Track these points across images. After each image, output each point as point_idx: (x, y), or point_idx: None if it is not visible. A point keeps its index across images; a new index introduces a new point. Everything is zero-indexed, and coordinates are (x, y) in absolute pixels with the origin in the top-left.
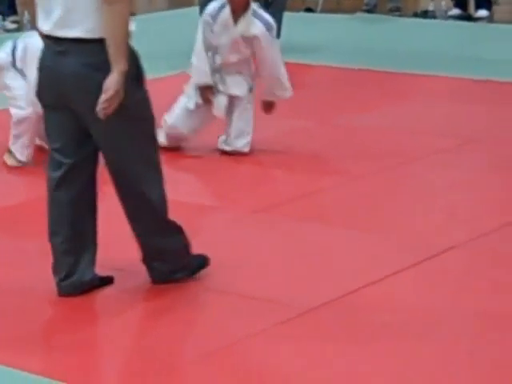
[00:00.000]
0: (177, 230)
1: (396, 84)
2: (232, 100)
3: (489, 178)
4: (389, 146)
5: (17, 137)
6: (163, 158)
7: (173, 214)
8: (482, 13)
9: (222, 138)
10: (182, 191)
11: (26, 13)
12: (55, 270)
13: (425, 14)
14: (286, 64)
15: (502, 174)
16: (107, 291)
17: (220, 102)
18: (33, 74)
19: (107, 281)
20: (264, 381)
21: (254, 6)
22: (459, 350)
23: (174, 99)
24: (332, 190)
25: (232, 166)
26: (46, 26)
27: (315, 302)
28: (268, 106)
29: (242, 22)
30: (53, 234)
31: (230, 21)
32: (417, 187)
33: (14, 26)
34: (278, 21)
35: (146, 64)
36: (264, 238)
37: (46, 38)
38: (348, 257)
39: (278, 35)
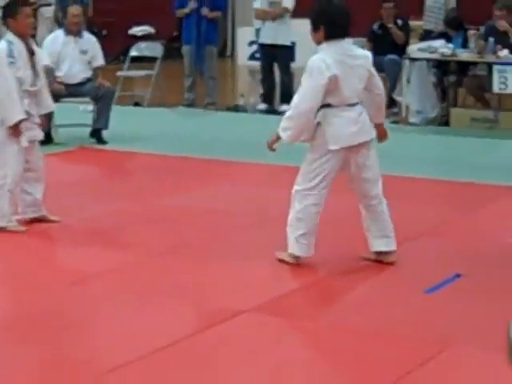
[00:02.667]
0: None
1: (208, 169)
2: None
3: None
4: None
5: None
6: None
7: None
8: (285, 107)
9: None
10: None
11: None
12: None
13: (236, 108)
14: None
15: None
16: None
17: None
18: None
19: None
20: None
21: None
22: None
23: None
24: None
25: None
26: None
27: None
28: None
29: None
30: None
31: None
32: None
33: None
34: (107, 113)
35: None
36: None
37: None
38: None
39: (106, 126)
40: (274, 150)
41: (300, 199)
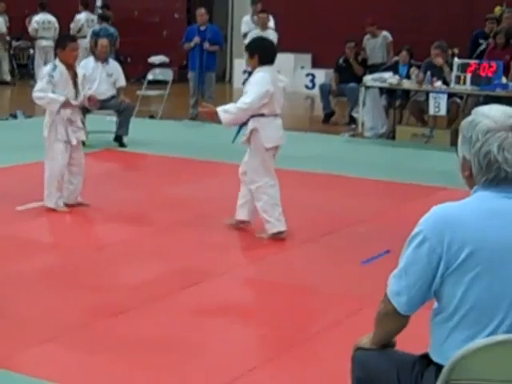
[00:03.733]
0: None
1: (204, 168)
2: None
3: None
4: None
5: None
6: None
7: None
8: None
9: None
10: None
11: None
12: None
13: None
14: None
15: None
16: None
17: None
18: None
19: None
20: None
21: None
22: None
23: None
24: None
25: None
26: None
27: None
28: None
29: None
30: None
31: None
32: None
33: None
34: (127, 123)
35: None
36: None
37: None
38: None
39: (127, 133)
40: (201, 112)
41: (264, 191)
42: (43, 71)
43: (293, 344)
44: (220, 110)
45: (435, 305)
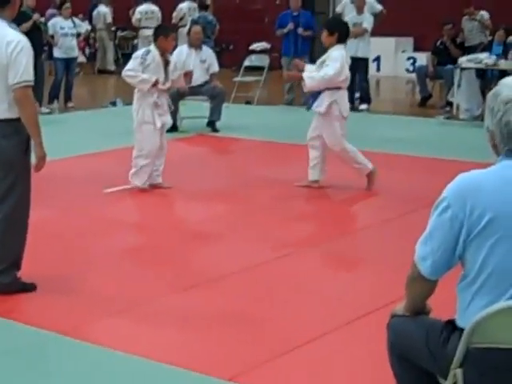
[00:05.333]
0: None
1: (293, 151)
2: None
3: None
4: None
5: None
6: None
7: None
8: (364, 106)
9: None
10: None
11: None
12: None
13: None
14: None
15: None
16: None
17: None
18: None
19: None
20: None
21: None
22: None
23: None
24: None
25: None
26: None
27: None
28: None
29: None
30: None
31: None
32: None
33: None
34: (219, 108)
35: None
36: None
37: None
38: None
39: (219, 118)
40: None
41: (347, 150)
42: (136, 54)
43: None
44: (306, 75)
45: (462, 271)
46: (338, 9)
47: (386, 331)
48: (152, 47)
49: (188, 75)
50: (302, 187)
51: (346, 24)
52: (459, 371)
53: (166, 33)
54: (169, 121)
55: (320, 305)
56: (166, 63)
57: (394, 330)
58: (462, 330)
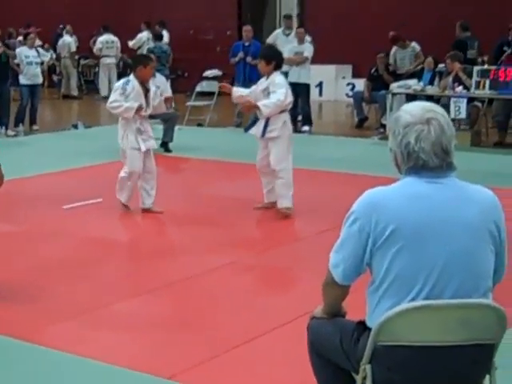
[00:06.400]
0: None
1: (240, 169)
2: None
3: None
4: None
5: None
6: None
7: None
8: (306, 128)
9: None
10: None
11: None
12: None
13: None
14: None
15: None
16: None
17: None
18: None
19: None
20: None
21: None
22: None
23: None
24: None
25: None
26: None
27: None
28: None
29: None
30: None
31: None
32: None
33: None
34: (171, 131)
35: None
36: None
37: None
38: None
39: (171, 139)
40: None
41: (285, 173)
42: (116, 85)
43: None
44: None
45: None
46: (270, 39)
47: (306, 332)
48: (131, 77)
49: (169, 100)
50: (257, 209)
51: (280, 53)
52: (368, 367)
53: (145, 62)
54: (153, 145)
55: (252, 310)
56: (147, 91)
57: (312, 331)
58: (370, 329)
